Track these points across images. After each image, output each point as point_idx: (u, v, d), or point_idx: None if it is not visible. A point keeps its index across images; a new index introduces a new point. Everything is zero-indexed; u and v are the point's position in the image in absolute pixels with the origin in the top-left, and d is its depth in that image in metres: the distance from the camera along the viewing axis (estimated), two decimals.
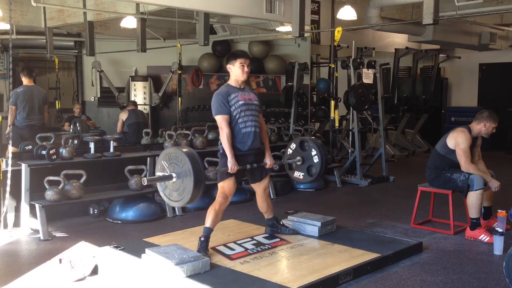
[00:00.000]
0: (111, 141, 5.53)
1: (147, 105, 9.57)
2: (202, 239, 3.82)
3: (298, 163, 4.34)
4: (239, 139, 3.90)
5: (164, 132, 6.56)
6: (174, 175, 3.46)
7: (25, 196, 4.84)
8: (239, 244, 4.12)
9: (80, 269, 3.60)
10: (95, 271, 3.71)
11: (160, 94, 9.45)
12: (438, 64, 11.43)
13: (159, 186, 3.64)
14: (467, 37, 9.70)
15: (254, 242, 4.19)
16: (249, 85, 9.77)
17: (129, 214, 5.26)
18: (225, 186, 3.90)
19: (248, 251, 3.97)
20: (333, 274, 3.47)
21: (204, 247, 3.80)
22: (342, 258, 3.83)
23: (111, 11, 7.00)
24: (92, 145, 5.34)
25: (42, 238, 4.61)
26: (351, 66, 7.55)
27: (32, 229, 4.84)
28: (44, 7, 7.19)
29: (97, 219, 5.40)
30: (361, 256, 3.84)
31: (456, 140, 4.70)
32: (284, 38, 9.51)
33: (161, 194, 3.65)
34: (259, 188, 4.18)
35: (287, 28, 7.71)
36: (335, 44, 7.41)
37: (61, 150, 5.08)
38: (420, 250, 4.22)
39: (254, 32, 8.97)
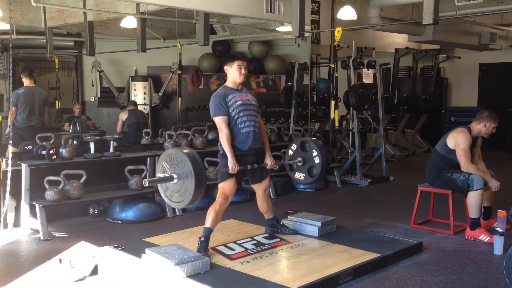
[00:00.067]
0: (111, 141, 5.53)
1: (147, 105, 9.57)
2: (202, 239, 3.82)
3: (299, 164, 4.35)
4: (239, 139, 3.90)
5: (164, 132, 6.56)
6: (175, 176, 3.46)
7: (25, 196, 4.84)
8: (239, 244, 4.12)
9: (80, 269, 3.60)
10: (95, 271, 3.71)
11: (160, 94, 9.45)
12: (438, 64, 11.43)
13: (160, 187, 3.64)
14: (467, 37, 9.70)
15: (254, 242, 4.19)
16: (248, 85, 9.81)
17: (129, 214, 5.26)
18: (225, 187, 3.90)
19: (248, 251, 3.97)
20: (333, 274, 3.47)
21: (204, 247, 3.80)
22: (342, 258, 3.83)
23: (111, 11, 7.00)
24: (92, 145, 5.34)
25: (42, 238, 4.61)
26: (351, 66, 7.56)
27: (32, 229, 4.84)
28: (44, 7, 7.19)
29: (97, 219, 5.40)
30: (361, 256, 3.84)
31: (456, 140, 4.70)
32: (284, 38, 9.51)
33: (162, 195, 3.65)
34: (260, 189, 4.18)
35: (287, 28, 7.71)
36: (335, 44, 7.41)
37: (61, 150, 5.08)
38: (420, 250, 4.22)
39: (254, 32, 8.97)
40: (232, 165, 3.78)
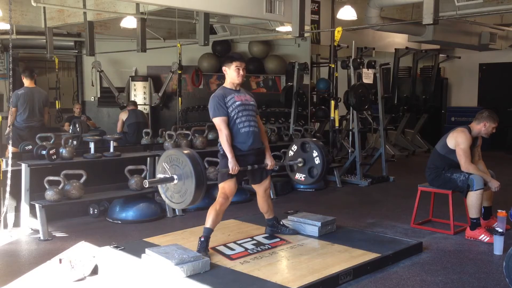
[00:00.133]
0: (111, 141, 5.53)
1: (147, 105, 9.56)
2: (202, 239, 3.82)
3: (300, 164, 4.34)
4: (239, 139, 3.90)
5: (164, 132, 6.56)
6: (175, 177, 3.46)
7: (25, 196, 4.84)
8: (239, 244, 4.12)
9: (80, 269, 3.60)
10: (95, 271, 3.71)
11: (160, 94, 9.45)
12: (438, 64, 11.43)
13: (161, 188, 3.64)
14: (467, 37, 9.70)
15: (254, 242, 4.19)
16: (248, 85, 9.82)
17: (129, 214, 5.26)
18: (226, 187, 3.90)
19: (248, 251, 3.97)
20: (333, 274, 3.47)
21: (204, 247, 3.80)
22: (342, 258, 3.83)
23: (111, 11, 7.00)
24: (92, 145, 5.34)
25: (42, 238, 4.61)
26: (351, 66, 7.56)
27: (32, 229, 4.84)
28: (44, 7, 7.19)
29: (97, 219, 5.40)
30: (361, 256, 3.84)
31: (456, 140, 4.70)
32: (284, 38, 9.51)
33: (163, 196, 3.65)
34: (260, 189, 4.18)
35: (287, 28, 7.71)
36: (335, 44, 7.41)
37: (61, 150, 5.08)
38: (420, 250, 4.22)
39: (254, 32, 8.96)
40: (232, 165, 3.78)
